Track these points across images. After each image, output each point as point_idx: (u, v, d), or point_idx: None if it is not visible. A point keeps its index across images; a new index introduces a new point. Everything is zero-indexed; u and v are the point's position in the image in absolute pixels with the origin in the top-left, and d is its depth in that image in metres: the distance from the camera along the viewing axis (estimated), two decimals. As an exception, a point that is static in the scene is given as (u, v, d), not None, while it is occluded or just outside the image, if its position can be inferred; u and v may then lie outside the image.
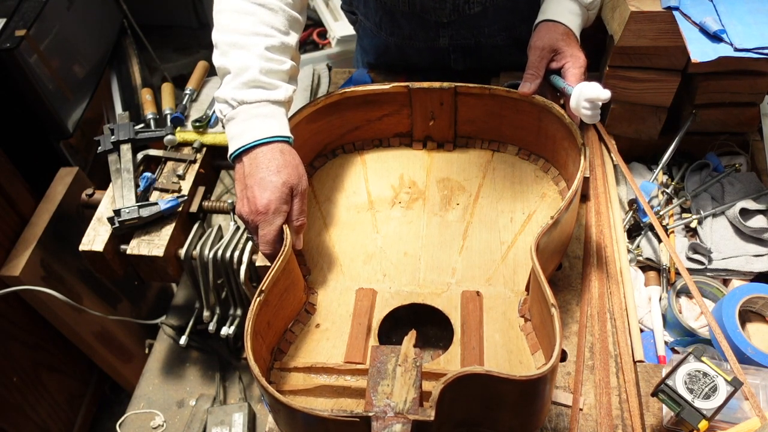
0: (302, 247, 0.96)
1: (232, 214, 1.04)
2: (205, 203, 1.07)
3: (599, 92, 0.85)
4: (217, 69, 0.91)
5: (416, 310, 0.89)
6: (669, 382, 0.77)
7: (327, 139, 1.07)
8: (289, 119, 0.97)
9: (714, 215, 1.06)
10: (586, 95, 0.87)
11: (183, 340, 1.06)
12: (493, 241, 0.95)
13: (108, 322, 1.62)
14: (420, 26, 1.19)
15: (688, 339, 0.96)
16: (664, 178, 1.13)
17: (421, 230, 0.98)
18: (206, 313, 1.02)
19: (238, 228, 1.01)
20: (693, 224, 1.06)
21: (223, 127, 0.90)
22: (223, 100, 0.88)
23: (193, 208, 1.05)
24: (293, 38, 0.93)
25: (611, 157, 1.14)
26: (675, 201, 1.10)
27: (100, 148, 1.08)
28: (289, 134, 0.89)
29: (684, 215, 1.08)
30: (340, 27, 2.16)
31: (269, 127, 0.86)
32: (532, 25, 1.02)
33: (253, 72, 0.87)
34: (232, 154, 0.87)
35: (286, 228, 0.84)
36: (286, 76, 0.91)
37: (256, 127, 0.86)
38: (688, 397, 0.76)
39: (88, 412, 1.77)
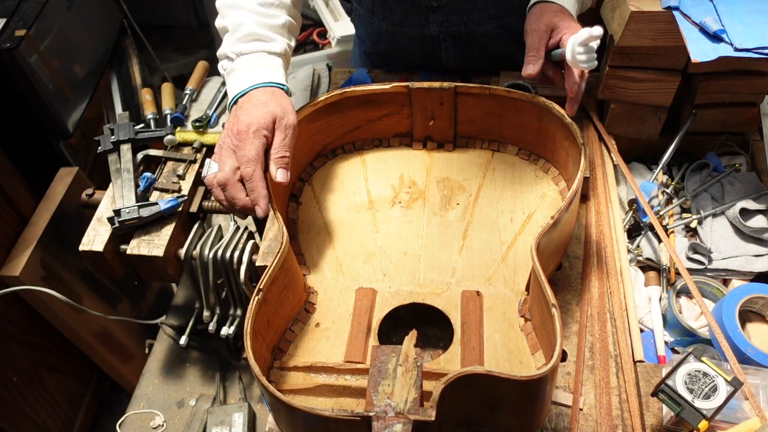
0: (301, 246, 0.96)
1: (232, 214, 1.04)
2: (205, 203, 1.07)
3: (590, 31, 0.84)
4: (219, 31, 0.96)
5: (416, 309, 0.89)
6: (669, 382, 0.78)
7: (327, 139, 1.07)
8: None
9: (714, 215, 1.06)
10: (578, 40, 0.86)
11: (183, 340, 1.06)
12: (493, 241, 0.95)
13: (108, 322, 1.62)
14: (411, 11, 1.20)
15: (688, 339, 0.96)
16: (664, 178, 1.13)
17: (421, 230, 0.98)
18: (206, 313, 1.02)
19: (238, 228, 1.01)
20: (693, 224, 1.06)
21: (225, 84, 0.94)
22: (223, 56, 0.93)
23: (193, 208, 1.05)
24: None
25: (611, 157, 1.14)
26: (675, 201, 1.10)
27: (100, 148, 1.08)
28: (284, 82, 0.92)
29: (684, 215, 1.08)
30: (340, 27, 2.16)
31: (265, 73, 0.90)
32: (522, 15, 1.02)
33: (249, 26, 0.91)
34: (230, 103, 0.90)
35: (283, 227, 0.84)
36: (282, 30, 0.95)
37: (253, 74, 0.90)
38: (688, 397, 0.76)
39: (88, 412, 1.77)
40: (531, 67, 0.94)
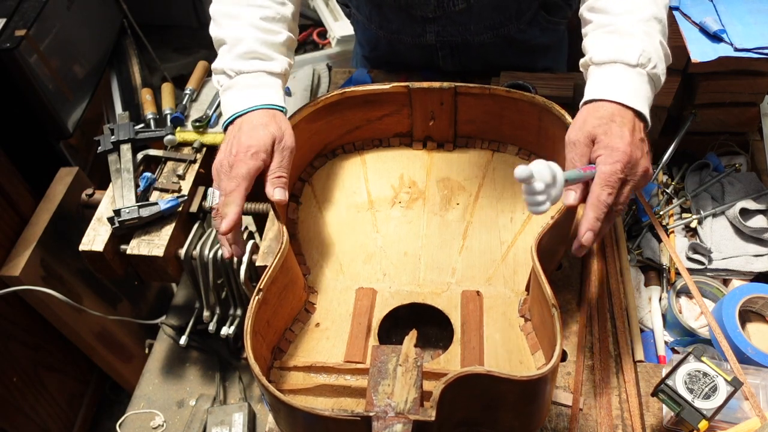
0: (301, 246, 0.96)
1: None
2: (205, 203, 1.07)
3: (516, 171, 0.68)
4: (214, 40, 0.93)
5: (416, 309, 0.89)
6: (669, 382, 0.78)
7: (327, 139, 1.07)
8: (289, 119, 0.97)
9: (714, 215, 1.06)
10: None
11: (183, 340, 1.06)
12: (493, 240, 0.95)
13: (108, 322, 1.62)
14: (407, 20, 1.19)
15: (688, 339, 0.96)
16: (664, 178, 1.13)
17: (421, 230, 0.98)
18: (206, 313, 1.02)
19: (238, 228, 1.01)
20: (693, 224, 1.06)
21: (220, 96, 0.91)
22: (220, 71, 0.90)
23: (193, 208, 1.05)
24: (289, 9, 0.94)
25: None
26: (675, 201, 1.10)
27: (100, 148, 1.08)
28: (283, 105, 0.90)
29: (684, 215, 1.08)
30: (340, 27, 2.16)
31: (265, 95, 0.88)
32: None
33: (249, 43, 0.88)
34: (226, 121, 0.88)
35: (284, 228, 0.84)
36: (282, 47, 0.92)
37: (252, 95, 0.88)
38: (688, 397, 0.76)
39: (88, 412, 1.77)
40: (572, 196, 0.75)
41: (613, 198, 0.72)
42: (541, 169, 0.69)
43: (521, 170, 0.67)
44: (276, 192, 0.84)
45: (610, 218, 0.74)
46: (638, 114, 0.77)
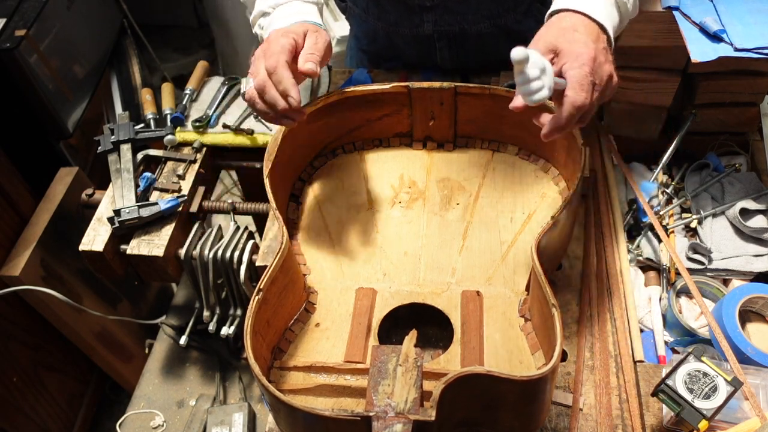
0: (301, 246, 0.96)
1: (232, 214, 1.04)
2: (205, 203, 1.07)
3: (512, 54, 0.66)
4: (246, 4, 1.01)
5: (416, 309, 0.89)
6: (669, 382, 0.78)
7: (327, 139, 1.07)
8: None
9: (714, 215, 1.06)
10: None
11: (183, 340, 1.06)
12: (493, 240, 0.95)
13: (108, 322, 1.62)
14: (404, 10, 1.20)
15: (688, 339, 0.96)
16: (664, 178, 1.13)
17: (421, 230, 0.98)
18: (206, 313, 1.02)
19: (238, 228, 1.01)
20: (693, 224, 1.06)
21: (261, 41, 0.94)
22: (260, 14, 0.96)
23: (193, 208, 1.05)
24: None
25: (611, 157, 1.14)
26: (675, 201, 1.10)
27: (100, 148, 1.08)
28: (322, 23, 0.93)
29: (684, 215, 1.08)
30: (339, 27, 2.16)
31: (303, 15, 0.92)
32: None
33: None
34: None
35: (284, 228, 0.84)
36: None
37: (291, 16, 0.92)
38: (688, 397, 0.76)
39: (88, 412, 1.77)
40: (517, 99, 0.73)
41: (589, 102, 0.71)
42: (534, 55, 0.68)
43: (518, 51, 0.66)
44: (307, 64, 0.84)
45: (576, 122, 0.73)
46: (602, 28, 0.77)
